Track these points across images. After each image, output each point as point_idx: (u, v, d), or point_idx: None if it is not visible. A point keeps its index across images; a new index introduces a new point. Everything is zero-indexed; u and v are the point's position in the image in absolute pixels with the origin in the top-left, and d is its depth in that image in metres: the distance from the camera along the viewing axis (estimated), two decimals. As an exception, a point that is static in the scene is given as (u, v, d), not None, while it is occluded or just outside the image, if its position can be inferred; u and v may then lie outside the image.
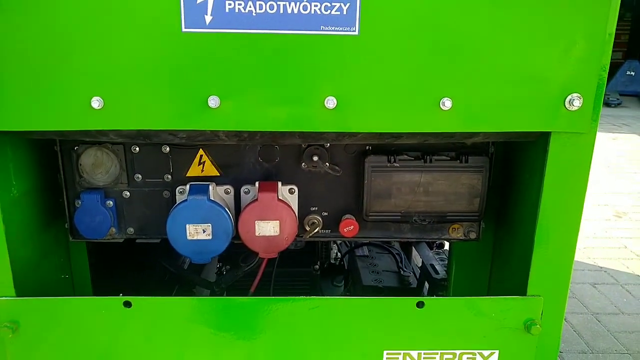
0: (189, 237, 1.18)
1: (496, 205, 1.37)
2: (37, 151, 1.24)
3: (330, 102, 1.04)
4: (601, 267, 3.80)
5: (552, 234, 1.15)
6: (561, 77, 1.03)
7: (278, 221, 1.20)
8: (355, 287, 2.02)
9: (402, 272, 2.03)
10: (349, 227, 1.31)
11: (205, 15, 1.01)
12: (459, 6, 1.00)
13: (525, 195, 1.22)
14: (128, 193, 1.28)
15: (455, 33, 1.01)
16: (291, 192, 1.28)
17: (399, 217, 1.30)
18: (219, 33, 1.01)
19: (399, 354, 1.23)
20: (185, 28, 1.00)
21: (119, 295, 1.18)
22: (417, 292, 1.94)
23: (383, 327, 1.22)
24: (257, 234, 1.20)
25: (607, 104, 11.50)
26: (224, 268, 2.08)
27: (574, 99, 1.04)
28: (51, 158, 1.27)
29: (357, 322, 1.21)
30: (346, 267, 2.24)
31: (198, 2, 1.00)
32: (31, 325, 1.16)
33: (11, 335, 1.14)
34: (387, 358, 1.24)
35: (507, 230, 1.35)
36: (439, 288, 1.81)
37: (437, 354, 1.24)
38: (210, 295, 1.75)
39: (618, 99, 11.62)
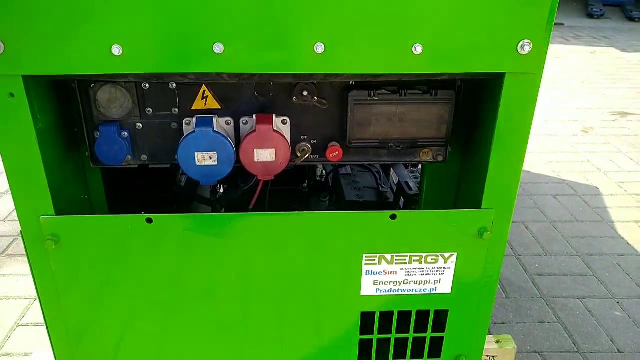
0: (197, 163, 1.36)
1: (464, 134, 1.57)
2: (54, 89, 1.37)
3: (319, 48, 1.20)
4: (563, 180, 4.10)
5: (504, 157, 1.35)
6: (514, 26, 1.20)
7: (274, 149, 1.38)
8: (339, 201, 2.23)
9: (380, 188, 2.24)
10: (334, 153, 1.49)
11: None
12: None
13: (486, 124, 1.41)
14: (140, 125, 1.44)
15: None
16: (284, 123, 1.45)
17: (378, 144, 1.49)
18: (219, -16, 1.14)
19: (376, 256, 1.48)
20: (190, -20, 1.13)
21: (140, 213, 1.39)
22: (393, 206, 2.17)
23: (362, 236, 1.44)
24: (256, 160, 1.39)
25: (590, 15, 11.29)
26: (218, 186, 2.28)
27: (524, 45, 1.21)
28: (65, 95, 1.40)
29: (341, 232, 1.43)
30: (331, 184, 2.44)
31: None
32: (70, 239, 1.36)
33: (54, 246, 1.35)
34: (365, 260, 1.48)
35: (471, 156, 1.56)
36: (412, 202, 2.03)
37: (406, 256, 1.49)
38: (212, 212, 1.97)
39: (601, 10, 11.32)
